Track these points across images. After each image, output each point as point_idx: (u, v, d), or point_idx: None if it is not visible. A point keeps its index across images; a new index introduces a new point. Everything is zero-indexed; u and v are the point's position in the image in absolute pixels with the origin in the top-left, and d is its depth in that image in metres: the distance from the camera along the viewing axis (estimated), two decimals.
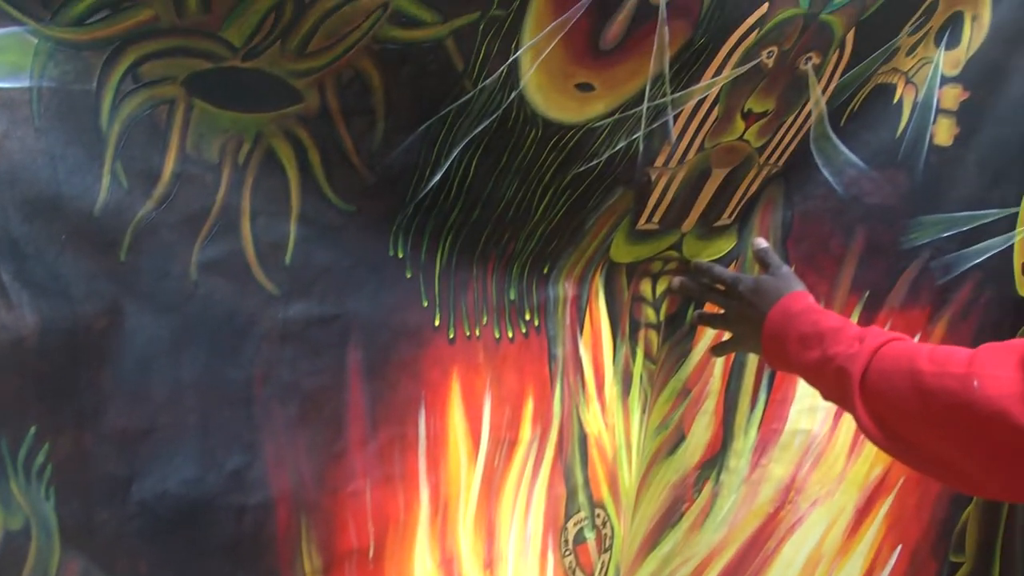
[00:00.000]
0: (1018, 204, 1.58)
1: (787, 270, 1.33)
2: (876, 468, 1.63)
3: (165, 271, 1.06)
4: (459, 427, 1.30)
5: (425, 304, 1.25)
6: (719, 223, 1.49)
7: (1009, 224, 1.58)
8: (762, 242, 1.38)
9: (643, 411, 1.54)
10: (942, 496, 1.67)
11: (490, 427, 1.33)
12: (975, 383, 1.00)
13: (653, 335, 1.52)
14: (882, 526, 1.65)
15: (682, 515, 1.59)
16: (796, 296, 1.28)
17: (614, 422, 1.49)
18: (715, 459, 1.58)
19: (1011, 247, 1.58)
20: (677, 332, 1.53)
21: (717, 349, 1.44)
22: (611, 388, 1.48)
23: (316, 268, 1.15)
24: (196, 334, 1.09)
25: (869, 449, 1.61)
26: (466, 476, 1.31)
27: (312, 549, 1.19)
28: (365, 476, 1.22)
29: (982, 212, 1.57)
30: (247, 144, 1.08)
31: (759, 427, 1.58)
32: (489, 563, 1.35)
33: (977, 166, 1.57)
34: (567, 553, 1.44)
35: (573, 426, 1.43)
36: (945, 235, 1.57)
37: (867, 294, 1.57)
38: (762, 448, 1.59)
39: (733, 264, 1.52)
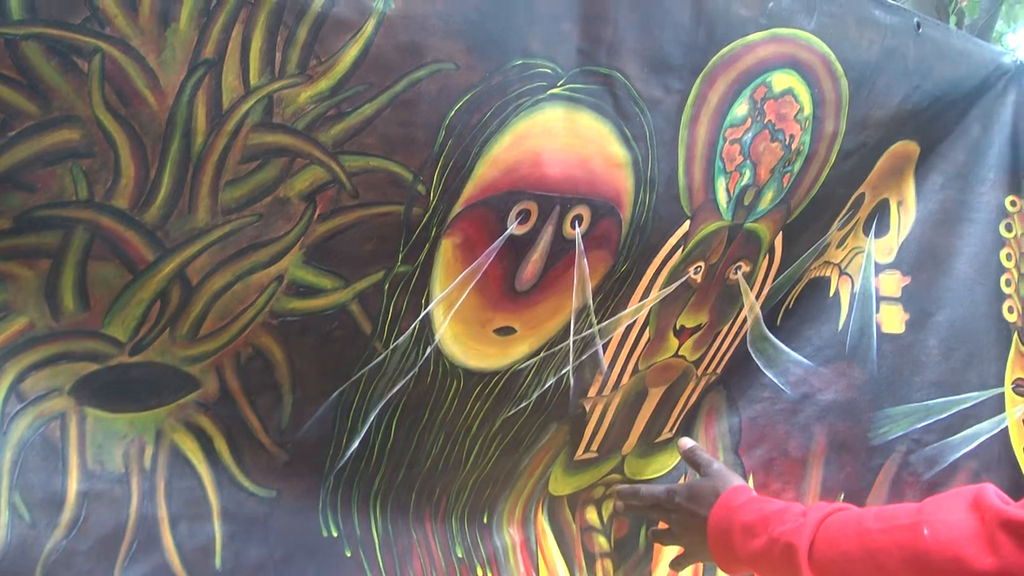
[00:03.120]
0: (1001, 384, 1.55)
1: (718, 466, 1.25)
2: None
3: None
4: None
5: None
6: (660, 439, 1.43)
7: (997, 406, 1.54)
8: (687, 442, 1.30)
9: None
10: None
11: None
12: (925, 531, 0.96)
13: (609, 564, 1.44)
14: None
15: None
16: (735, 491, 1.20)
17: None
18: None
19: (1005, 430, 1.53)
20: (632, 556, 1.45)
21: (675, 563, 1.35)
22: None
23: (249, 567, 1.07)
24: None
25: None
26: None
27: None
28: None
29: (960, 397, 1.53)
30: (149, 446, 1.01)
31: None
32: None
33: (941, 350, 1.54)
34: None
35: None
36: (921, 425, 1.53)
37: (842, 496, 1.51)
38: None
39: (683, 477, 1.44)
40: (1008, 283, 1.55)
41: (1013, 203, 1.55)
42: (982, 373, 1.53)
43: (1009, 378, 1.53)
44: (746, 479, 1.45)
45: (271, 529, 1.09)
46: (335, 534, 1.14)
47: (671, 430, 1.43)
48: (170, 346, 0.99)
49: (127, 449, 1.00)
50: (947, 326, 1.52)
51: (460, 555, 1.26)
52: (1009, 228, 1.55)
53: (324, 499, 1.13)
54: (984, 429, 1.52)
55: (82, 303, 0.93)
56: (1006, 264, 1.55)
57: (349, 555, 1.15)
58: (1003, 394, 1.53)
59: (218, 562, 1.04)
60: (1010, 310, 1.57)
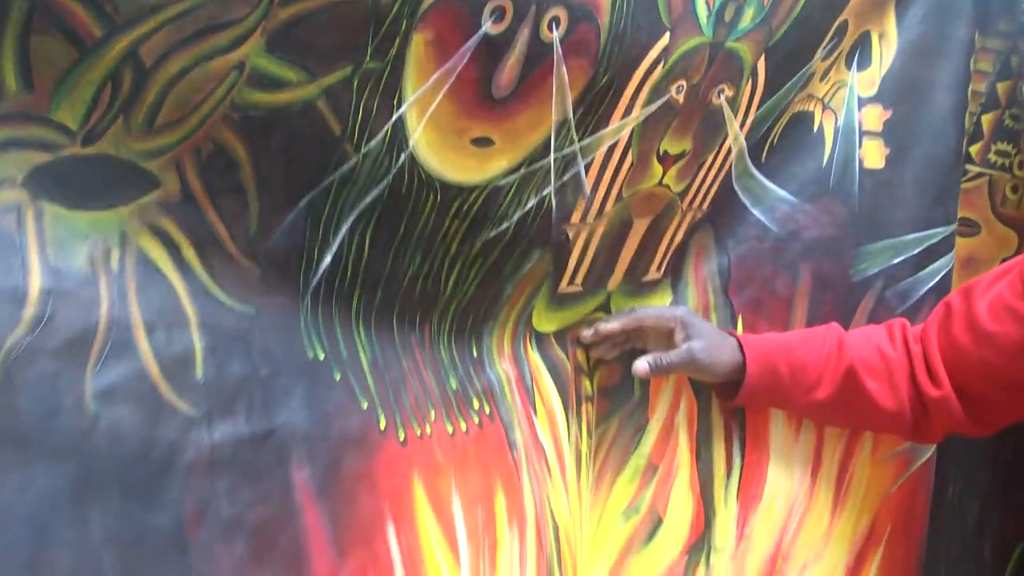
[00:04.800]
0: (956, 220, 1.53)
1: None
2: (863, 520, 1.52)
3: (54, 407, 0.89)
4: (434, 538, 1.13)
5: (364, 406, 1.09)
6: (648, 278, 1.39)
7: (952, 243, 1.52)
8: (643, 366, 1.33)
9: (591, 492, 1.39)
10: (921, 540, 1.57)
11: (467, 532, 1.17)
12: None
13: (590, 407, 1.38)
14: None
15: None
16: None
17: (574, 506, 1.34)
18: (701, 540, 1.43)
19: (952, 268, 1.52)
20: (628, 403, 1.40)
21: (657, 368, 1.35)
22: (571, 469, 1.33)
23: (233, 381, 1.00)
24: (103, 477, 0.91)
25: (853, 501, 1.50)
26: None
27: None
28: None
29: (929, 232, 1.50)
30: (115, 249, 0.94)
31: (738, 493, 1.45)
32: None
33: (915, 185, 1.50)
34: None
35: (547, 516, 1.27)
36: (896, 261, 1.49)
37: None
38: (744, 516, 1.45)
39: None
40: (970, 117, 1.54)
41: (980, 38, 1.53)
42: (947, 209, 1.51)
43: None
44: (736, 320, 1.44)
45: (253, 346, 1.02)
46: (321, 356, 1.07)
47: (658, 269, 1.38)
48: (125, 138, 0.92)
49: (91, 251, 0.92)
50: (922, 161, 1.49)
51: (455, 386, 1.20)
52: (975, 62, 1.53)
53: (305, 319, 1.07)
54: (943, 265, 1.50)
55: (25, 82, 0.85)
56: (970, 100, 1.52)
57: (339, 378, 1.09)
58: (955, 230, 1.53)
59: (199, 373, 0.97)
60: (969, 144, 1.57)
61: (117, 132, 0.91)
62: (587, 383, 1.38)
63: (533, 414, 1.28)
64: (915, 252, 1.49)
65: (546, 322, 1.32)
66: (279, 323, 1.05)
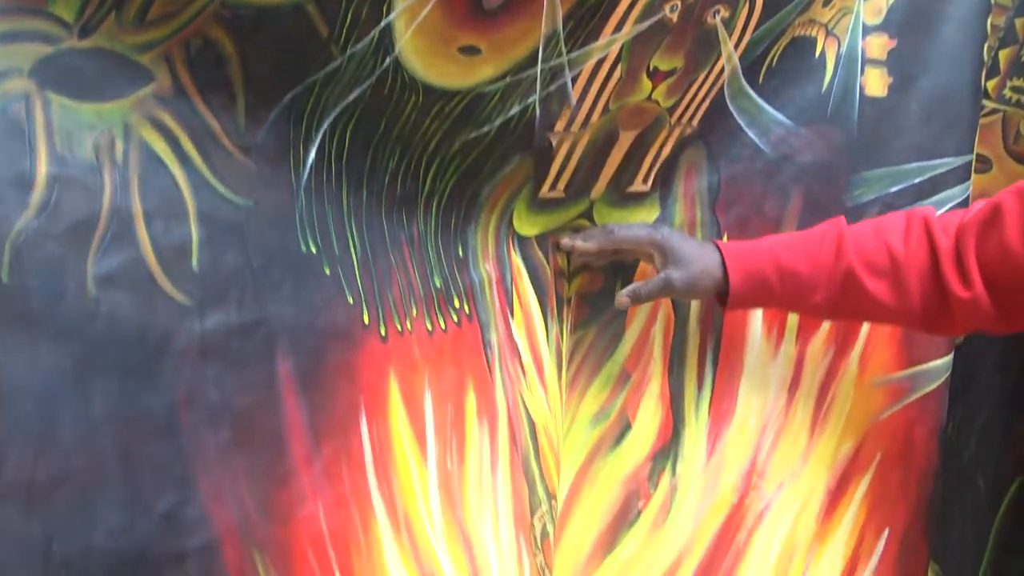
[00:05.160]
0: (971, 152, 1.52)
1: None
2: (845, 444, 1.53)
3: (59, 290, 0.93)
4: (403, 432, 1.18)
5: (351, 301, 1.14)
6: (633, 189, 1.41)
7: (966, 172, 1.52)
8: (623, 300, 1.36)
9: (565, 398, 1.44)
10: (927, 472, 1.58)
11: (435, 427, 1.22)
12: None
13: (571, 312, 1.43)
14: (861, 509, 1.55)
15: (640, 513, 1.47)
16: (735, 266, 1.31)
17: (555, 406, 1.39)
18: (668, 448, 1.47)
19: (968, 197, 1.51)
20: (607, 311, 1.43)
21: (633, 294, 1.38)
22: (550, 370, 1.38)
23: (227, 272, 1.04)
24: (104, 359, 0.96)
25: (834, 423, 1.52)
26: (420, 483, 1.19)
27: None
28: (316, 498, 1.09)
29: (935, 162, 1.51)
30: (119, 140, 0.97)
31: (709, 409, 1.48)
32: (475, 573, 1.23)
33: (921, 115, 1.50)
34: (537, 552, 1.32)
35: (521, 414, 1.33)
36: (894, 189, 1.50)
37: None
38: (716, 432, 1.48)
39: None
40: (989, 51, 1.54)
41: None
42: (957, 140, 1.51)
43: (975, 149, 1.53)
44: (721, 238, 1.46)
45: (248, 238, 1.06)
46: (314, 250, 1.11)
47: (644, 181, 1.41)
48: (117, 32, 0.95)
49: (97, 140, 0.96)
50: (929, 91, 1.49)
51: (438, 284, 1.24)
52: None
53: (300, 214, 1.10)
54: (954, 195, 1.50)
55: None
56: (990, 32, 1.52)
57: (328, 273, 1.13)
58: (971, 162, 1.52)
59: (195, 263, 1.02)
60: (986, 79, 1.56)
61: (110, 26, 0.94)
62: (567, 288, 1.41)
63: (510, 315, 1.33)
64: (915, 181, 1.50)
65: (528, 225, 1.35)
66: (275, 216, 1.08)
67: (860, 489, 1.54)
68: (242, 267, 1.05)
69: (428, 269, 1.23)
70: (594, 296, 1.44)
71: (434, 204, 1.24)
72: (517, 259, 1.35)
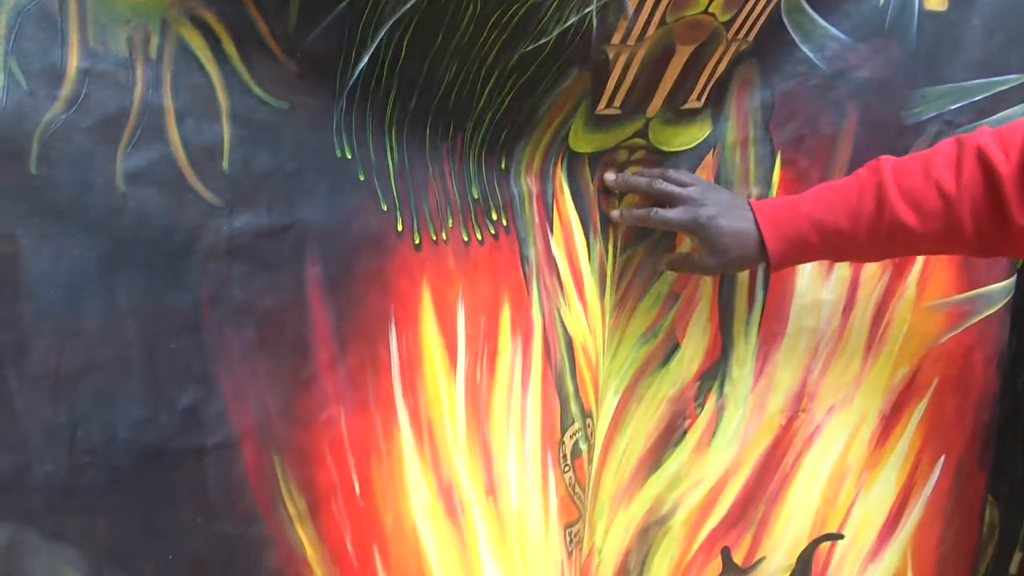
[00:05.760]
0: None
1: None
2: (901, 368, 1.50)
3: (87, 183, 0.94)
4: (433, 342, 1.18)
5: (384, 208, 1.13)
6: (687, 106, 1.36)
7: None
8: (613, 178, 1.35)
9: (612, 318, 1.41)
10: (985, 398, 1.54)
11: (466, 339, 1.21)
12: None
13: (615, 232, 1.39)
14: (917, 435, 1.52)
15: (685, 432, 1.46)
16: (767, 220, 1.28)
17: (596, 324, 1.37)
18: (715, 368, 1.45)
19: None
20: (656, 229, 1.39)
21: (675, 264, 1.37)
22: (591, 288, 1.36)
23: (258, 174, 1.03)
24: (130, 254, 0.97)
25: (890, 347, 1.48)
26: (447, 395, 1.19)
27: (293, 489, 1.08)
28: (338, 403, 1.10)
29: (999, 78, 1.44)
30: (154, 35, 0.96)
31: (759, 330, 1.46)
32: (491, 488, 1.23)
33: (983, 29, 1.43)
34: (566, 469, 1.32)
35: (557, 330, 1.31)
36: (954, 107, 1.44)
37: None
38: (765, 353, 1.46)
39: (711, 152, 1.39)
40: None
41: None
42: (1021, 56, 1.44)
43: None
44: (775, 155, 1.41)
45: (283, 141, 1.05)
46: (349, 156, 1.10)
47: (699, 98, 1.36)
48: None
49: (131, 34, 0.95)
50: (992, 4, 1.42)
51: (476, 196, 1.22)
52: None
53: (338, 118, 1.09)
54: (1015, 113, 1.44)
55: None
56: None
57: (363, 179, 1.12)
58: None
59: (225, 163, 1.01)
60: None
61: None
62: (616, 206, 1.38)
63: (549, 232, 1.31)
64: (976, 99, 1.44)
65: (583, 143, 1.32)
66: (312, 120, 1.07)
67: (915, 415, 1.52)
68: (274, 169, 1.05)
69: (467, 181, 1.22)
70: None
71: (487, 117, 1.22)
72: (562, 175, 1.33)
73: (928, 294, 1.49)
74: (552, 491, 1.30)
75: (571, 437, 1.32)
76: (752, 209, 1.29)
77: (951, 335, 1.50)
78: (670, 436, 1.46)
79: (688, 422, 1.46)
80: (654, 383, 1.45)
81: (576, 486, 1.33)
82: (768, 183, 1.40)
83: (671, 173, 1.33)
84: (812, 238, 1.26)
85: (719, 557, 1.50)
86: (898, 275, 1.47)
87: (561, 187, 1.32)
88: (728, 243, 1.28)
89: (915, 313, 1.49)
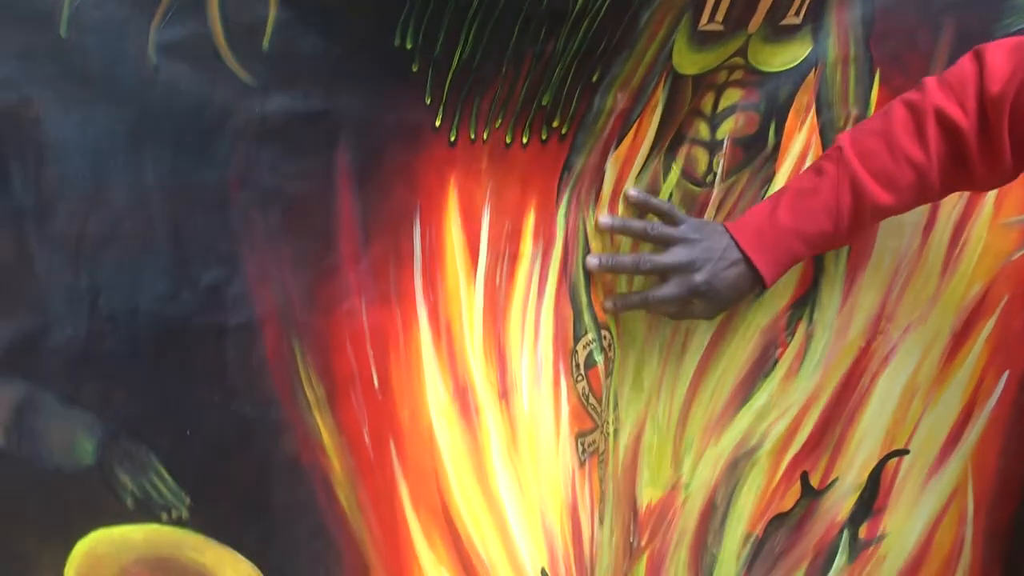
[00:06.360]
0: None
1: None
2: (974, 286, 1.46)
3: (118, 53, 0.94)
4: (456, 240, 1.17)
5: (428, 102, 1.10)
6: (786, 22, 1.31)
7: None
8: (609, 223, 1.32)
9: None
10: None
11: (488, 240, 1.19)
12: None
13: (700, 153, 1.35)
14: (983, 351, 1.48)
15: (776, 362, 1.45)
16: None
17: (620, 238, 1.34)
18: (807, 296, 1.43)
19: None
20: (759, 156, 1.36)
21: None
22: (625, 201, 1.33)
23: (300, 56, 1.01)
24: (159, 129, 0.97)
25: (965, 265, 1.45)
26: (466, 295, 1.18)
27: (312, 376, 1.09)
28: (359, 294, 1.10)
29: None
30: None
31: (848, 253, 1.43)
32: (504, 392, 1.23)
33: None
34: (579, 379, 1.31)
35: (579, 242, 1.29)
36: None
37: None
38: (852, 276, 1.43)
39: (813, 71, 1.34)
40: None
41: None
42: None
43: None
44: (873, 72, 1.36)
45: (336, 24, 1.02)
46: (408, 46, 1.06)
47: (797, 13, 1.30)
48: None
49: None
50: None
51: (545, 103, 1.18)
52: None
53: (409, 7, 1.04)
54: None
55: None
56: None
57: (416, 70, 1.08)
58: None
59: (266, 43, 0.99)
60: None
61: None
62: (703, 127, 1.34)
63: (614, 146, 1.27)
64: None
65: (687, 63, 1.27)
66: (379, 6, 1.04)
67: (984, 332, 1.48)
68: (319, 54, 1.02)
69: (542, 87, 1.17)
70: (750, 139, 1.36)
71: (584, 25, 1.17)
72: (661, 95, 1.28)
73: (1004, 211, 1.44)
74: (564, 399, 1.29)
75: (584, 347, 1.30)
76: (735, 239, 1.27)
77: (1022, 253, 1.46)
78: (762, 367, 1.45)
79: (780, 351, 1.45)
80: (748, 313, 1.43)
81: (590, 396, 1.32)
82: (866, 102, 1.36)
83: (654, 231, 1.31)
84: (799, 249, 1.27)
85: (798, 482, 1.50)
86: (978, 194, 1.43)
87: (655, 107, 1.28)
88: (726, 296, 1.30)
89: (990, 231, 1.44)
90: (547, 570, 1.26)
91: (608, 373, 1.35)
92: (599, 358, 1.32)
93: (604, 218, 1.30)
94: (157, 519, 1.08)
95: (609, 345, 1.34)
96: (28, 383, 1.00)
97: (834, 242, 1.29)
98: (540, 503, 1.25)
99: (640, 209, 1.33)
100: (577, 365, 1.30)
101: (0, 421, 1.01)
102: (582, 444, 1.31)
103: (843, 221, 1.24)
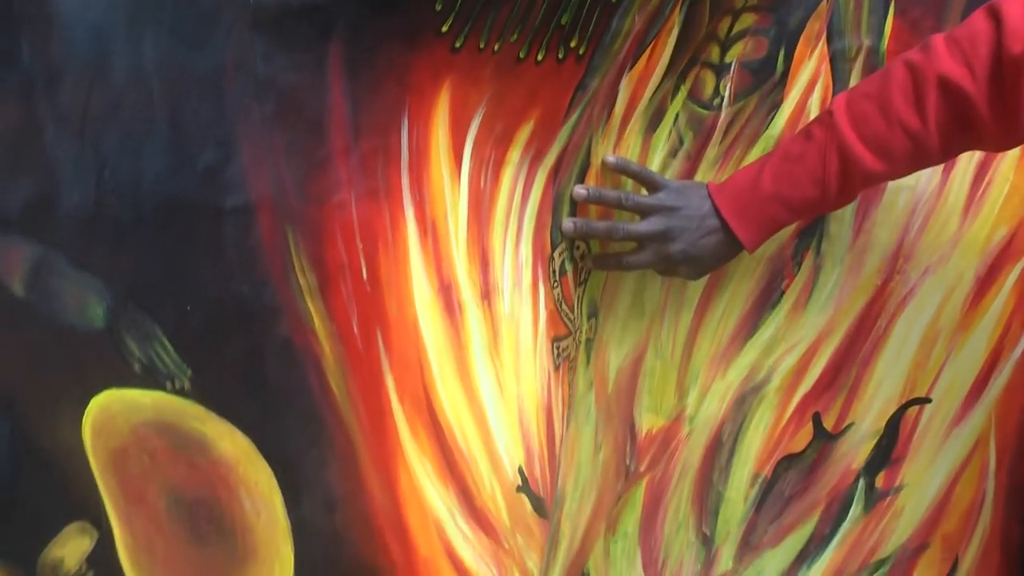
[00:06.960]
0: None
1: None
2: (1000, 229, 1.41)
3: None
4: (441, 141, 1.20)
5: (438, 8, 1.13)
6: None
7: None
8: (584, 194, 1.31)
9: (670, 153, 1.38)
10: None
11: (474, 144, 1.22)
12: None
13: (708, 75, 1.34)
14: (1010, 298, 1.43)
15: (782, 294, 1.43)
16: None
17: (626, 151, 1.34)
18: (814, 226, 1.40)
19: None
20: (767, 82, 1.34)
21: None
22: (635, 121, 1.33)
23: None
24: (155, 14, 1.04)
25: (989, 208, 1.39)
26: (451, 195, 1.22)
27: (304, 263, 1.15)
28: (350, 188, 1.15)
29: None
30: None
31: None
32: (486, 293, 1.26)
33: None
34: (555, 284, 1.33)
35: (578, 157, 1.30)
36: None
37: None
38: (863, 211, 1.39)
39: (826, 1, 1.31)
40: None
41: None
42: None
43: None
44: (889, 2, 1.32)
45: None
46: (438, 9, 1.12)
47: None
48: None
49: None
50: None
51: (564, 22, 1.20)
52: None
53: None
54: None
55: None
56: None
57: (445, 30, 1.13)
58: None
59: None
60: None
61: None
62: (715, 50, 1.34)
63: (628, 67, 1.28)
64: None
65: None
66: None
67: (1011, 277, 1.43)
68: None
69: (561, 7, 1.18)
70: (758, 64, 1.35)
71: None
72: (677, 18, 1.29)
73: None
74: (542, 304, 1.31)
75: (559, 255, 1.32)
76: (714, 202, 1.26)
77: None
78: (768, 298, 1.43)
79: (786, 283, 1.43)
80: None
81: (563, 303, 1.33)
82: (880, 33, 1.33)
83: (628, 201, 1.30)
84: (782, 215, 1.25)
85: (810, 423, 1.48)
86: None
87: (671, 30, 1.29)
88: (707, 262, 1.30)
89: (1017, 173, 1.39)
90: (523, 468, 1.29)
91: (580, 283, 1.36)
92: (568, 267, 1.33)
93: (579, 189, 1.31)
94: (162, 387, 1.16)
95: (582, 255, 1.35)
96: (41, 245, 1.09)
97: (821, 208, 1.27)
98: (518, 403, 1.29)
99: (620, 174, 1.34)
100: (554, 272, 1.32)
101: (20, 275, 1.10)
102: (557, 348, 1.33)
103: (830, 188, 1.21)
